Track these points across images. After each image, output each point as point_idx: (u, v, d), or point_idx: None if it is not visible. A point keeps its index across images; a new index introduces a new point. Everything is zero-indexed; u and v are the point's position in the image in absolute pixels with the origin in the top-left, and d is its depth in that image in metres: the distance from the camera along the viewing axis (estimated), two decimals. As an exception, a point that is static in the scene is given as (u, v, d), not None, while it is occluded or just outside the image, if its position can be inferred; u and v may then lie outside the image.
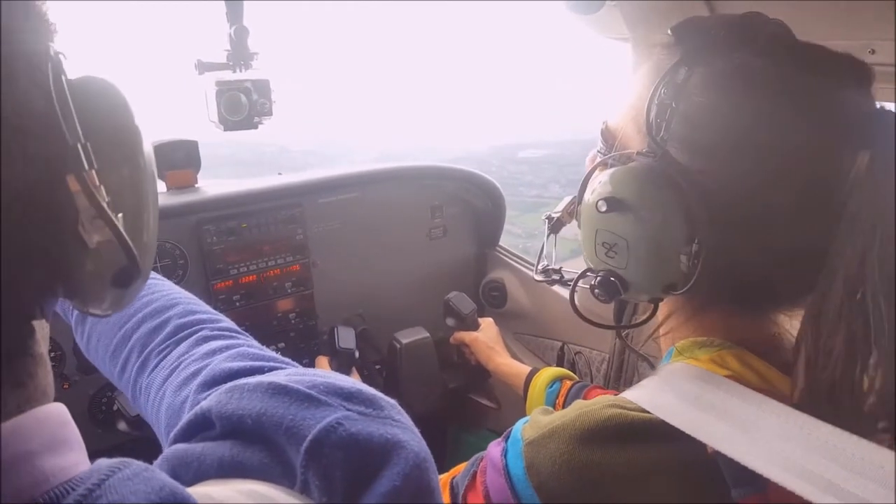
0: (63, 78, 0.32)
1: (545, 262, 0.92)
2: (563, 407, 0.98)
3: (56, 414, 0.32)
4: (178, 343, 0.63)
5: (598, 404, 0.55)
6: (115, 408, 1.21)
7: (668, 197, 0.52)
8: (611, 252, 0.56)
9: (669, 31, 0.58)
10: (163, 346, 0.63)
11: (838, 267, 0.48)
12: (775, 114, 0.51)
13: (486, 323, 1.35)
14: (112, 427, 1.22)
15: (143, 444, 1.15)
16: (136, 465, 0.32)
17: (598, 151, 0.64)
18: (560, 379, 1.05)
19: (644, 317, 0.64)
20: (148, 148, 0.38)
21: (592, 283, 0.59)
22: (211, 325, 0.65)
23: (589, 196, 0.58)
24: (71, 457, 0.32)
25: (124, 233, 0.34)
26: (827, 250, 0.49)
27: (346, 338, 1.31)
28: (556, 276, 0.92)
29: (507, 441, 0.61)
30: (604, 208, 0.54)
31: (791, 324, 0.61)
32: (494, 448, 0.62)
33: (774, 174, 0.51)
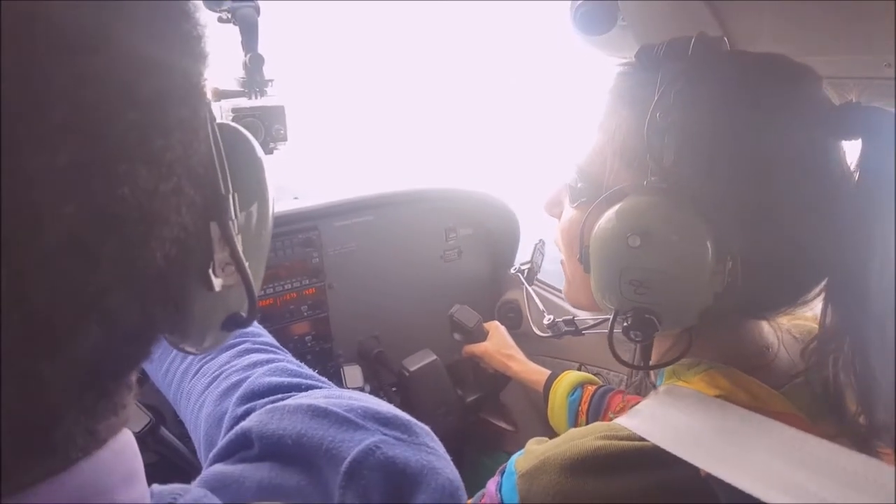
0: (215, 124, 0.32)
1: (549, 317, 0.89)
2: (587, 415, 0.97)
3: (129, 445, 0.32)
4: (220, 352, 0.65)
5: (590, 435, 0.54)
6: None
7: (697, 220, 0.51)
8: (641, 288, 0.52)
9: (634, 58, 0.57)
10: (205, 354, 0.65)
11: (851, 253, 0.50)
12: (768, 119, 0.52)
13: (493, 328, 1.32)
14: None
15: (161, 467, 1.15)
16: (194, 491, 0.33)
17: (576, 192, 0.62)
18: (581, 385, 1.03)
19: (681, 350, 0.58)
20: (273, 204, 0.39)
21: (625, 324, 0.55)
22: (253, 339, 0.68)
23: (603, 234, 0.54)
24: (140, 488, 0.32)
25: (252, 282, 0.35)
26: (831, 241, 0.51)
27: (353, 377, 1.30)
28: (569, 328, 0.86)
29: (502, 475, 0.60)
30: (637, 243, 0.51)
31: (778, 334, 0.61)
32: (491, 483, 0.61)
33: (780, 173, 0.52)
